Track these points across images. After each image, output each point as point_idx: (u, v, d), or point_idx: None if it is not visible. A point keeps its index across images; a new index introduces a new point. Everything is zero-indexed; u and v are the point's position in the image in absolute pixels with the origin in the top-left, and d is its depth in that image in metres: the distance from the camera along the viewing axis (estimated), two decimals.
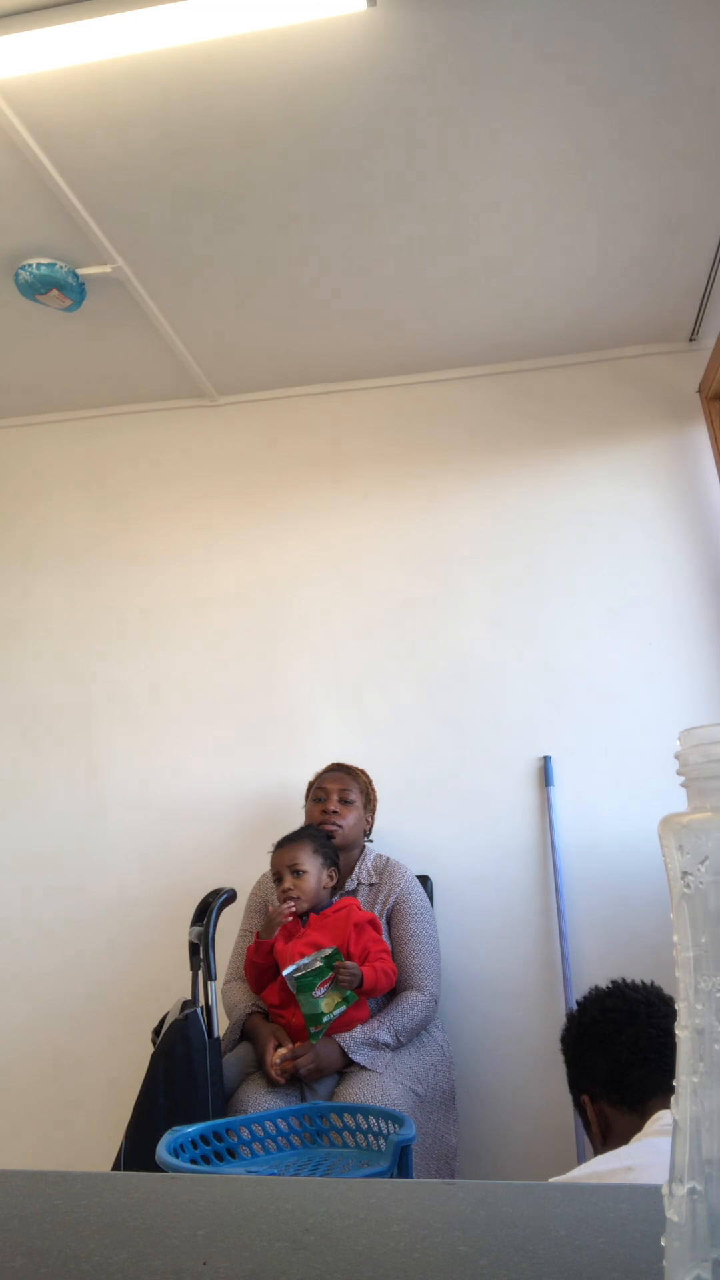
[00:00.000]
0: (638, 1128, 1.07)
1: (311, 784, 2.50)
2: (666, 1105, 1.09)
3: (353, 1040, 2.00)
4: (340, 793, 2.40)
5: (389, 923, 2.28)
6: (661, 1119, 1.04)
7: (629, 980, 1.37)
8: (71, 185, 2.10)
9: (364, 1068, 1.97)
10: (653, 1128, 1.03)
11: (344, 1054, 1.98)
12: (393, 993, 2.17)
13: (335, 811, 2.36)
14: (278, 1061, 1.94)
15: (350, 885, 2.32)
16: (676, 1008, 0.36)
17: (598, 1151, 1.21)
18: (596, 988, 1.39)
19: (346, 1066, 1.99)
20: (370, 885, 2.33)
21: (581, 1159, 2.32)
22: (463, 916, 2.59)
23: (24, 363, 2.90)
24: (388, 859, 2.40)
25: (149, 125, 1.96)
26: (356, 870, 2.35)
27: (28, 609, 3.11)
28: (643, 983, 1.36)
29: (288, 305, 2.64)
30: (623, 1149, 0.99)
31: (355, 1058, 1.97)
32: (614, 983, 1.37)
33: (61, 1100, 2.70)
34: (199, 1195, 0.54)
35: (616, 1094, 1.21)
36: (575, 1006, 1.38)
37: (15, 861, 2.90)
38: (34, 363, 2.90)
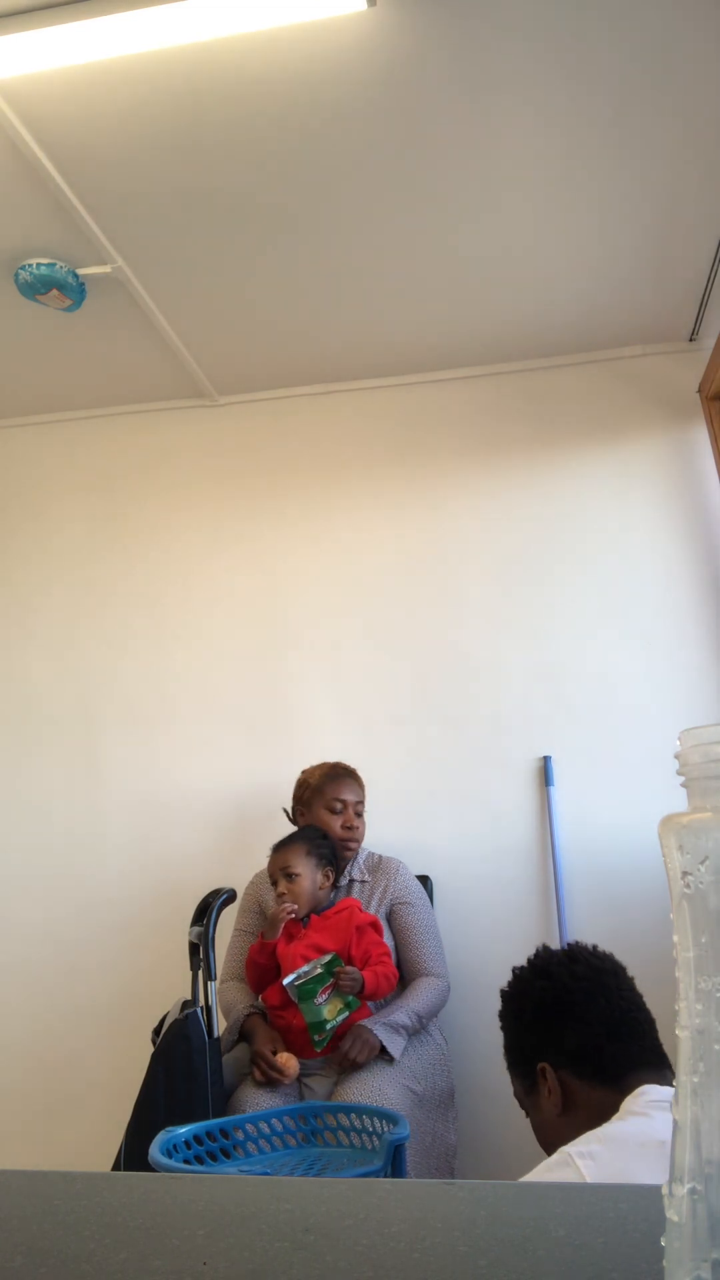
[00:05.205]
0: (613, 1103, 1.04)
1: (311, 785, 2.42)
2: (646, 1080, 1.06)
3: (372, 1021, 2.02)
4: (356, 805, 2.39)
5: (390, 917, 2.28)
6: (646, 1094, 1.01)
7: (585, 945, 1.28)
8: (71, 185, 2.10)
9: (363, 1068, 1.97)
10: (635, 1104, 1.01)
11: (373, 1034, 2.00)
12: (404, 982, 2.17)
13: (355, 826, 2.35)
14: (288, 1071, 1.94)
15: (342, 882, 2.32)
16: (676, 1007, 0.36)
17: (550, 1124, 1.15)
18: (549, 949, 1.29)
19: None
20: (363, 882, 2.33)
21: None
22: (463, 916, 2.59)
23: (24, 363, 2.90)
24: (380, 855, 2.40)
25: (149, 125, 1.95)
26: (349, 868, 2.35)
27: (28, 608, 3.11)
28: (594, 947, 1.28)
29: (288, 305, 2.64)
30: (593, 1133, 0.98)
31: (375, 1030, 1.99)
32: (571, 947, 1.28)
33: (61, 1100, 2.70)
34: (199, 1195, 0.54)
35: (588, 1067, 1.14)
36: (529, 965, 1.28)
37: (15, 861, 2.90)
38: (34, 363, 2.90)
